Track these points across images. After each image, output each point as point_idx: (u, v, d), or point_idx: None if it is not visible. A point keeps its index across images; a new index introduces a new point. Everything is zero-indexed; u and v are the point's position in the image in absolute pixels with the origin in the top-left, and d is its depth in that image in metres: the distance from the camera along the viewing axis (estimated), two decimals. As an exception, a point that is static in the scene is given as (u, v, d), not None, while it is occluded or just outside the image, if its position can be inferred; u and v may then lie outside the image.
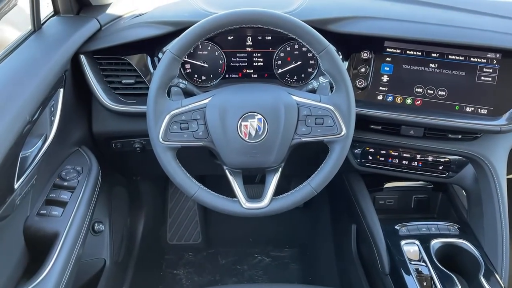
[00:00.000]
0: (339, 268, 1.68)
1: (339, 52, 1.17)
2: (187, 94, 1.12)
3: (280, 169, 1.00)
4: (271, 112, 0.95)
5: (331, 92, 0.99)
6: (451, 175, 1.30)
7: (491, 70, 1.12)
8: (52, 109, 1.01)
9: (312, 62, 1.23)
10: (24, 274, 0.94)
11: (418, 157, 1.30)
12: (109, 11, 1.25)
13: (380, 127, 1.22)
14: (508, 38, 1.10)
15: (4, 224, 0.85)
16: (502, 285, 1.08)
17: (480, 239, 1.21)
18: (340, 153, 0.97)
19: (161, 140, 0.95)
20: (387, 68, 1.16)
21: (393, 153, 1.31)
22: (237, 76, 1.24)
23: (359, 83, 1.17)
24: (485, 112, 1.13)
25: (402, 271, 1.12)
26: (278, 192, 1.00)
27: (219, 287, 1.80)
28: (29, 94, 0.87)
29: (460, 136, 1.20)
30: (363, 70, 1.17)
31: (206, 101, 0.97)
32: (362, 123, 1.18)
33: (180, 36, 0.93)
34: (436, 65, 1.14)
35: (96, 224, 1.39)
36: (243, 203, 0.98)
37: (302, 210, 2.01)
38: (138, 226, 1.81)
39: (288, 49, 1.22)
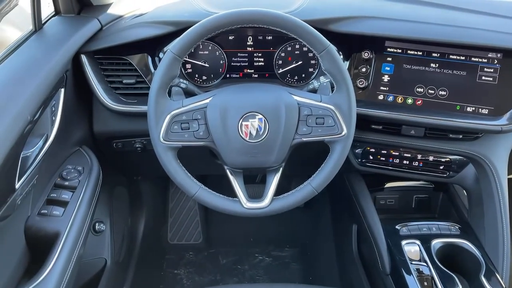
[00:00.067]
0: (340, 268, 1.68)
1: (340, 52, 1.17)
2: (188, 94, 1.13)
3: (281, 169, 1.00)
4: (272, 112, 0.95)
5: (332, 92, 0.99)
6: (452, 175, 1.30)
7: (492, 70, 1.11)
8: (53, 109, 1.01)
9: (313, 62, 1.23)
10: (25, 274, 0.94)
11: (419, 157, 1.30)
12: (110, 11, 1.25)
13: (381, 127, 1.22)
14: (509, 38, 1.10)
15: (5, 224, 0.85)
16: (503, 285, 1.08)
17: (481, 239, 1.21)
18: (341, 153, 0.97)
19: (162, 140, 0.95)
20: (388, 68, 1.16)
21: (394, 153, 1.31)
22: (238, 76, 1.24)
23: (360, 83, 1.17)
24: (486, 112, 1.13)
25: (403, 271, 1.11)
26: (278, 192, 1.00)
27: (220, 287, 1.80)
28: (30, 94, 0.87)
29: (461, 136, 1.19)
30: (364, 70, 1.17)
31: (207, 101, 0.97)
32: (363, 123, 1.18)
33: (181, 36, 0.93)
34: (437, 65, 1.13)
35: (97, 224, 1.39)
36: (244, 203, 0.97)
37: (303, 210, 2.01)
38: (139, 226, 1.81)
39: (289, 49, 1.22)
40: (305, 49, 1.21)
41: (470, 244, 1.17)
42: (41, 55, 0.99)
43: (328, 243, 1.80)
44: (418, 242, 1.18)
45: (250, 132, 0.95)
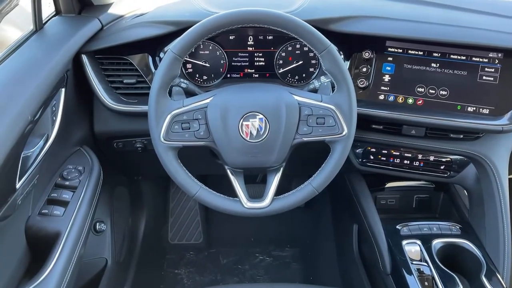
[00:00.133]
0: (341, 268, 1.68)
1: (341, 52, 1.17)
2: (189, 93, 1.12)
3: (282, 168, 1.00)
4: (272, 111, 0.95)
5: (333, 92, 0.99)
6: (453, 175, 1.30)
7: (493, 70, 1.11)
8: (54, 109, 1.01)
9: (313, 61, 1.23)
10: (25, 274, 0.94)
11: (420, 157, 1.30)
12: (111, 11, 1.25)
13: (381, 127, 1.22)
14: (510, 37, 1.10)
15: (6, 224, 0.85)
16: (504, 285, 1.08)
17: (482, 239, 1.21)
18: (342, 153, 0.97)
19: (162, 139, 0.95)
20: (389, 68, 1.16)
21: (394, 153, 1.31)
22: (238, 75, 1.24)
23: (361, 83, 1.17)
24: (487, 112, 1.13)
25: (404, 271, 1.11)
26: (279, 191, 1.00)
27: (220, 287, 1.81)
28: (31, 93, 0.87)
29: (461, 136, 1.19)
30: (364, 69, 1.17)
31: (208, 100, 0.97)
32: (364, 122, 1.18)
33: (181, 36, 0.93)
34: (438, 64, 1.13)
35: (97, 223, 1.39)
36: (245, 203, 0.97)
37: (304, 210, 2.01)
38: (139, 225, 1.81)
39: (290, 48, 1.21)
40: (305, 49, 1.21)
41: (471, 244, 1.17)
42: (42, 55, 0.99)
43: (329, 243, 1.79)
44: (418, 242, 1.18)
45: (250, 132, 0.95)
